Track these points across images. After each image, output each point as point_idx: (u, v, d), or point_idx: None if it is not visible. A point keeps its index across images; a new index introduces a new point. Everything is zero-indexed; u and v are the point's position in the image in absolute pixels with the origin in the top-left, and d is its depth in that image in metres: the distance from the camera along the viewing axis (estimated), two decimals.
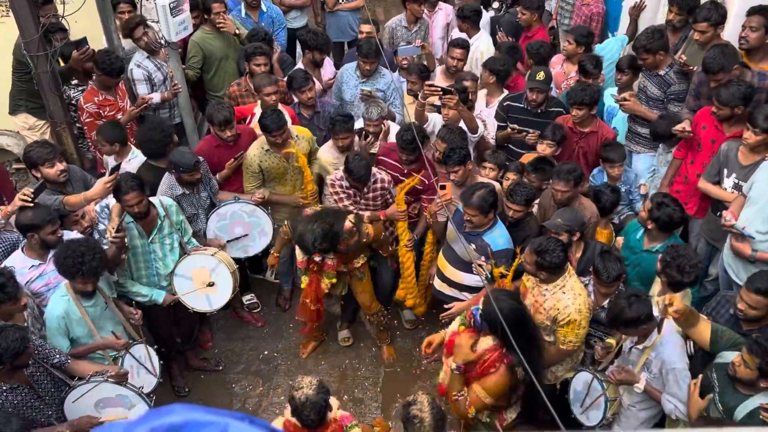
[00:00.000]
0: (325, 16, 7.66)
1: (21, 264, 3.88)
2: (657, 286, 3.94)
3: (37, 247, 3.89)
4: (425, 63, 6.10)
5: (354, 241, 4.34)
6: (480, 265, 4.12)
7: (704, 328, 3.45)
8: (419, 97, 5.03)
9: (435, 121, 5.23)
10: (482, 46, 6.23)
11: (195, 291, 4.39)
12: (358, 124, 5.28)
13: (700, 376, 3.39)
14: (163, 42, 5.53)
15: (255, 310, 5.62)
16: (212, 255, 4.34)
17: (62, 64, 5.34)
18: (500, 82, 5.53)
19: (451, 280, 4.48)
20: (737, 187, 4.22)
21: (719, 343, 3.43)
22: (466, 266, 4.33)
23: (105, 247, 3.96)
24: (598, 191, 4.50)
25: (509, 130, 5.22)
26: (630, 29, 6.17)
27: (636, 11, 6.16)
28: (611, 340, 3.73)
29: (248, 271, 5.61)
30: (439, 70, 5.98)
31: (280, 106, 5.24)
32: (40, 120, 5.69)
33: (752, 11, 4.45)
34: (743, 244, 4.01)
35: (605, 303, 3.90)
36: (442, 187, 4.41)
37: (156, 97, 5.53)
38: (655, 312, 3.41)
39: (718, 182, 4.37)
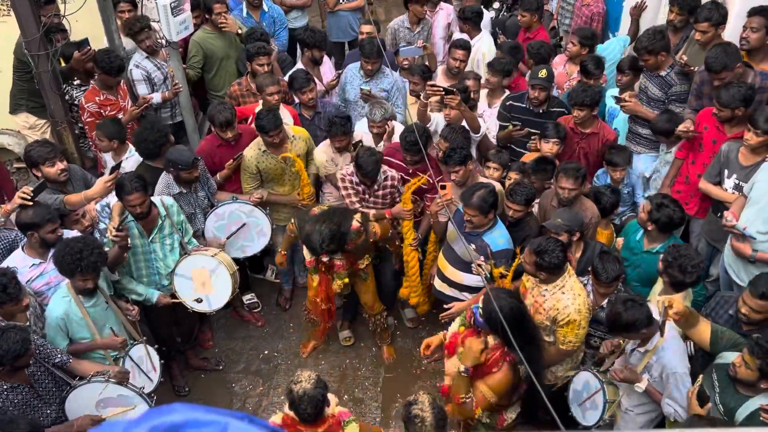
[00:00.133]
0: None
1: (21, 263, 3.88)
2: (659, 286, 3.95)
3: (37, 246, 3.90)
4: (427, 63, 6.10)
5: (362, 241, 4.34)
6: (479, 265, 4.12)
7: (704, 329, 3.45)
8: (421, 97, 5.03)
9: (437, 121, 5.23)
10: (484, 48, 6.23)
11: (192, 293, 4.38)
12: (363, 123, 5.28)
13: (698, 384, 3.40)
14: (163, 42, 5.53)
15: (255, 310, 5.63)
16: (212, 256, 4.34)
17: (63, 64, 5.35)
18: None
19: (451, 280, 4.48)
20: (738, 187, 4.22)
21: (719, 343, 3.43)
22: (466, 266, 4.33)
23: (107, 248, 3.96)
24: (598, 192, 4.50)
25: (510, 127, 5.21)
26: (631, 30, 6.17)
27: (637, 12, 6.16)
28: (621, 341, 3.73)
29: (248, 270, 5.61)
30: (440, 71, 5.98)
31: (282, 106, 5.25)
32: (40, 119, 5.70)
33: (753, 12, 4.45)
34: (744, 244, 4.01)
35: (604, 303, 3.91)
36: (443, 187, 4.42)
37: (156, 97, 5.54)
38: (656, 314, 3.41)
39: (719, 183, 4.37)
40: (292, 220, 4.61)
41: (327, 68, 6.19)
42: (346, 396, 4.93)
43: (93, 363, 3.78)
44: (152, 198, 4.24)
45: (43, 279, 3.94)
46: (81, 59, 5.22)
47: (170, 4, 5.22)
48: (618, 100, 5.10)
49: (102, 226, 4.35)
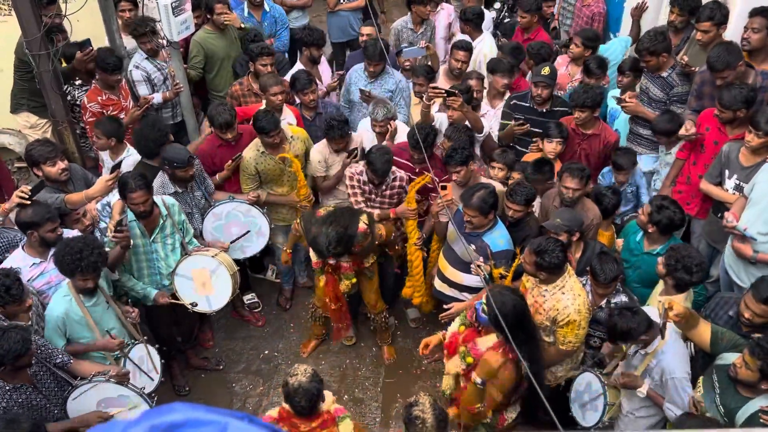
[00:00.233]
0: None
1: (22, 262, 3.88)
2: (659, 287, 3.94)
3: (37, 245, 3.90)
4: (430, 64, 6.10)
5: (368, 243, 4.33)
6: (479, 266, 4.12)
7: (704, 330, 3.45)
8: (424, 98, 5.04)
9: (441, 121, 5.24)
10: (485, 49, 6.22)
11: (193, 293, 4.39)
12: (366, 122, 5.28)
13: (698, 393, 3.39)
14: (164, 42, 5.53)
15: (256, 310, 5.63)
16: (213, 256, 4.34)
17: (65, 64, 5.35)
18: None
19: (451, 280, 4.48)
20: (738, 188, 4.21)
21: (719, 344, 3.43)
22: (466, 267, 4.33)
23: (107, 249, 3.96)
24: (600, 193, 4.50)
25: (512, 122, 5.20)
26: (633, 31, 6.17)
27: (638, 12, 6.16)
28: (623, 347, 3.73)
29: (249, 270, 5.61)
30: (442, 71, 5.97)
31: (285, 107, 5.26)
32: (41, 119, 5.70)
33: (754, 12, 4.45)
34: (745, 245, 4.01)
35: (603, 303, 3.91)
36: (443, 188, 4.42)
37: (157, 97, 5.54)
38: (656, 316, 3.41)
39: (720, 183, 4.37)
40: (298, 220, 4.60)
41: (325, 68, 6.19)
42: (346, 396, 4.93)
43: (94, 363, 3.78)
44: (154, 197, 4.24)
45: (44, 278, 3.94)
46: (83, 60, 5.22)
47: (171, 4, 5.22)
48: (619, 100, 5.10)
49: (103, 225, 4.35)
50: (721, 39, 4.69)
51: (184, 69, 5.92)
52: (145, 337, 4.14)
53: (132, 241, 4.17)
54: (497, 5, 7.41)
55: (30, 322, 3.65)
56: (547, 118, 5.10)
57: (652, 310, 3.61)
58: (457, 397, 3.75)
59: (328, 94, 5.96)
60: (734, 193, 4.25)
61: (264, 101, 5.25)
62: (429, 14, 6.51)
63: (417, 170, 4.84)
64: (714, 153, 4.43)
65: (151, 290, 4.33)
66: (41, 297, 3.94)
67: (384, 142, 5.11)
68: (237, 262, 4.64)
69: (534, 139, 5.14)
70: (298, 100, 5.48)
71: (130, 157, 4.78)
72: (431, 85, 5.08)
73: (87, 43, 5.17)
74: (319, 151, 5.02)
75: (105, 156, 4.93)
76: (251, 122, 4.87)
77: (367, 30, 6.16)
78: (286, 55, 6.91)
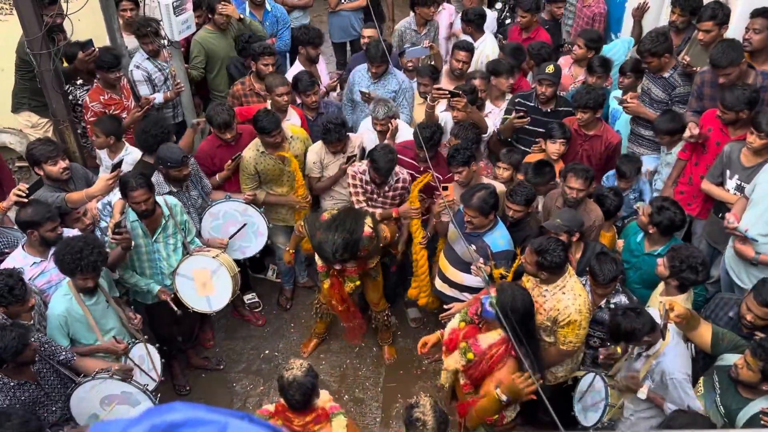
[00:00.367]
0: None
1: (22, 261, 3.89)
2: (659, 288, 3.94)
3: (38, 245, 3.90)
4: (434, 64, 6.10)
5: (373, 246, 4.33)
6: (479, 267, 4.12)
7: (705, 331, 3.45)
8: (428, 99, 5.04)
9: (446, 121, 5.24)
10: (487, 49, 6.20)
11: (193, 293, 4.39)
12: (367, 122, 5.29)
13: (698, 393, 3.39)
14: (165, 42, 5.53)
15: (256, 309, 5.63)
16: (214, 257, 4.34)
17: (66, 65, 5.35)
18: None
19: (452, 280, 4.48)
20: (739, 188, 4.21)
21: (720, 345, 3.43)
22: (466, 267, 4.33)
23: (108, 249, 3.96)
24: (601, 195, 4.50)
25: (513, 115, 5.19)
26: (635, 32, 6.16)
27: (639, 13, 6.15)
28: (617, 349, 3.72)
29: (249, 270, 5.62)
30: (444, 71, 5.97)
31: (290, 107, 5.26)
32: (42, 118, 5.71)
33: (756, 13, 4.45)
34: (746, 246, 4.00)
35: (602, 303, 3.91)
36: (445, 188, 4.42)
37: (159, 97, 5.54)
38: (657, 317, 3.41)
39: (721, 183, 4.36)
40: (301, 222, 4.61)
41: (323, 67, 6.19)
42: (346, 396, 4.94)
43: (97, 360, 3.79)
44: (156, 197, 4.25)
45: (44, 277, 3.94)
46: (85, 60, 5.22)
47: (172, 4, 5.22)
48: (621, 101, 5.10)
49: (103, 224, 4.36)
50: (723, 39, 4.69)
51: (186, 69, 5.92)
52: (145, 337, 4.14)
53: (134, 241, 4.18)
54: (498, 5, 7.40)
55: (32, 322, 3.66)
56: (550, 118, 5.10)
57: (652, 311, 3.60)
58: (464, 405, 3.75)
59: (327, 94, 5.96)
60: (735, 194, 4.24)
61: (269, 101, 5.26)
62: (432, 15, 6.51)
63: (421, 168, 4.84)
64: (716, 154, 4.43)
65: (154, 285, 4.33)
66: (42, 296, 3.94)
67: (385, 141, 5.11)
68: (237, 262, 4.64)
69: (537, 140, 5.14)
70: (299, 101, 5.48)
71: (130, 156, 4.79)
72: (435, 86, 5.08)
73: (89, 43, 5.18)
74: (316, 152, 5.02)
75: (103, 155, 4.94)
76: (252, 122, 4.87)
77: (368, 32, 6.17)
78: (287, 54, 6.93)
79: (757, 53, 4.49)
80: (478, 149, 5.07)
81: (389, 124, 5.04)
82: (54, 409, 3.51)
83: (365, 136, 5.28)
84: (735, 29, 4.83)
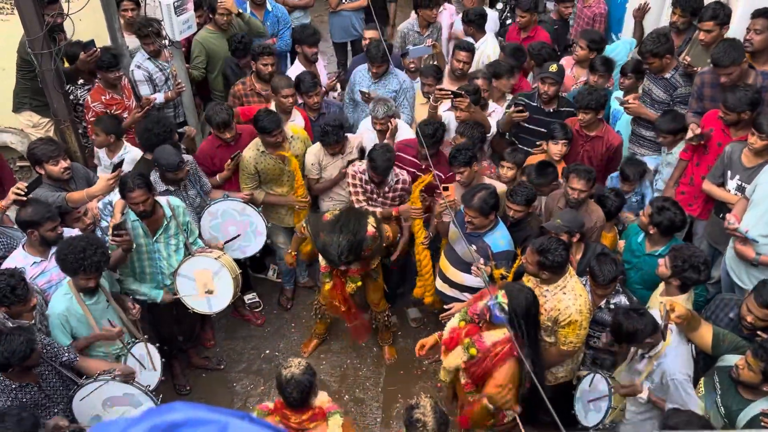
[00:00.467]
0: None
1: (22, 261, 3.89)
2: (660, 287, 3.94)
3: (38, 244, 3.90)
4: (437, 63, 6.10)
5: (376, 246, 4.34)
6: (479, 267, 4.12)
7: (706, 332, 3.45)
8: (431, 100, 5.04)
9: (449, 120, 5.24)
10: (488, 50, 6.19)
11: (195, 295, 4.40)
12: (367, 121, 5.29)
13: (699, 394, 3.39)
14: (166, 42, 5.54)
15: (257, 309, 5.63)
16: (216, 258, 4.34)
17: (67, 65, 5.36)
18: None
19: (452, 280, 4.48)
20: (740, 188, 4.21)
21: (721, 346, 3.43)
22: (467, 267, 4.33)
23: (110, 250, 3.96)
24: (603, 196, 4.50)
25: (512, 108, 5.19)
26: (637, 33, 6.15)
27: (640, 13, 6.15)
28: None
29: (250, 270, 5.62)
30: (446, 72, 5.97)
31: (294, 108, 5.26)
32: (44, 118, 5.72)
33: (757, 14, 4.44)
34: (747, 247, 4.00)
35: (602, 303, 3.90)
36: (446, 188, 4.42)
37: (159, 97, 5.54)
38: (658, 317, 3.41)
39: (722, 184, 4.36)
40: (303, 223, 4.60)
41: (321, 66, 6.20)
42: (347, 396, 4.94)
43: (99, 361, 3.80)
44: (158, 198, 4.25)
45: (45, 277, 3.94)
46: (87, 60, 5.22)
47: (173, 4, 5.22)
48: (622, 102, 5.09)
49: (104, 223, 4.36)
50: (724, 38, 4.69)
51: (186, 69, 5.93)
52: (146, 336, 4.14)
53: (134, 241, 4.18)
54: (499, 5, 7.40)
55: (34, 321, 3.66)
56: (553, 119, 5.10)
57: (653, 312, 3.60)
58: (465, 418, 3.76)
59: (326, 93, 5.96)
60: (736, 194, 4.24)
61: (273, 102, 5.26)
62: (435, 17, 6.50)
63: (423, 167, 4.84)
64: (717, 154, 4.43)
65: (158, 292, 4.33)
66: (44, 295, 3.94)
67: (385, 141, 5.12)
68: (238, 261, 4.64)
69: (538, 141, 5.14)
70: (300, 101, 5.48)
71: (128, 154, 4.81)
72: (437, 87, 5.07)
73: (91, 43, 5.18)
74: (314, 153, 5.02)
75: (102, 154, 4.95)
76: (252, 122, 4.87)
77: (370, 33, 6.17)
78: (288, 54, 6.93)
79: (758, 54, 4.49)
80: (481, 148, 5.07)
81: (389, 124, 5.05)
82: (56, 411, 3.51)
83: (365, 135, 5.28)
84: (736, 30, 4.83)
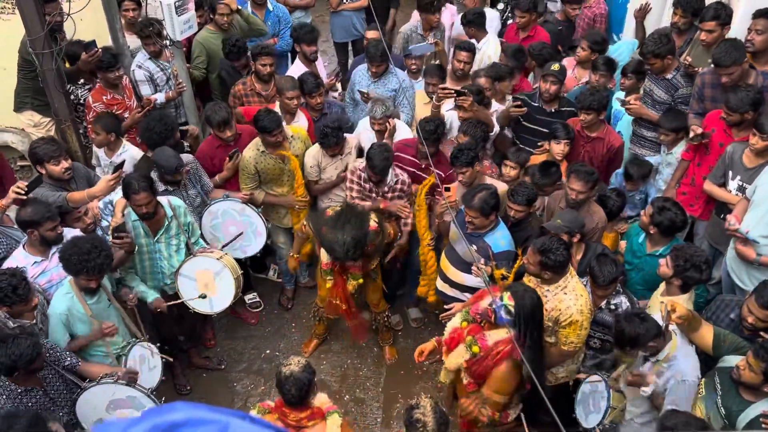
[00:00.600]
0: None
1: (23, 261, 3.89)
2: (661, 288, 3.93)
3: (38, 244, 3.90)
4: (439, 62, 6.09)
5: (379, 241, 4.34)
6: (479, 267, 4.12)
7: (706, 332, 3.44)
8: (434, 98, 5.04)
9: (451, 120, 5.24)
10: (490, 50, 6.17)
11: (193, 300, 4.40)
12: (365, 121, 5.29)
13: (700, 394, 3.39)
14: (167, 42, 5.54)
15: (257, 309, 5.63)
16: (218, 259, 4.34)
17: (68, 65, 5.36)
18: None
19: (453, 280, 4.48)
20: (741, 189, 4.21)
21: (722, 347, 3.43)
22: (467, 267, 4.33)
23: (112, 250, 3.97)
24: (604, 196, 4.50)
25: (510, 102, 5.16)
26: (639, 33, 6.14)
27: (641, 14, 6.14)
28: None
29: (251, 270, 5.62)
30: (447, 73, 5.96)
31: (299, 109, 5.27)
32: (45, 117, 5.72)
33: (758, 14, 4.44)
34: (747, 248, 4.00)
35: (602, 304, 3.91)
36: (447, 189, 4.42)
37: (160, 97, 5.55)
38: (658, 317, 3.40)
39: (724, 184, 4.36)
40: (304, 222, 4.60)
41: (321, 65, 6.20)
42: (347, 396, 4.94)
43: (102, 365, 3.80)
44: (160, 198, 4.25)
45: (45, 276, 3.95)
46: (88, 61, 5.22)
47: (174, 3, 5.22)
48: (623, 102, 5.09)
49: (104, 223, 4.37)
50: (725, 39, 4.69)
51: (188, 68, 5.93)
52: (146, 335, 4.14)
53: (135, 241, 4.18)
54: (500, 6, 7.39)
55: (35, 321, 3.67)
56: (554, 119, 5.09)
57: (654, 314, 3.59)
58: (466, 423, 3.77)
59: (326, 93, 5.96)
60: (737, 195, 4.24)
61: (277, 103, 5.27)
62: (438, 21, 6.50)
63: (423, 166, 4.84)
64: (718, 155, 4.43)
65: (152, 294, 4.31)
66: (45, 294, 3.94)
67: (384, 140, 5.12)
68: (239, 261, 4.64)
69: (539, 143, 5.14)
70: (302, 101, 5.48)
71: (127, 153, 4.82)
72: (441, 86, 5.07)
73: (93, 44, 5.18)
74: (313, 156, 5.02)
75: (101, 153, 4.96)
76: (253, 121, 4.87)
77: (371, 34, 6.17)
78: (289, 54, 6.93)
79: (759, 54, 4.48)
80: (483, 148, 5.07)
81: (387, 124, 5.05)
82: (60, 414, 3.52)
83: (363, 135, 5.29)
84: (737, 30, 4.83)
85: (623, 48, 6.07)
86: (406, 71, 5.94)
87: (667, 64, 4.84)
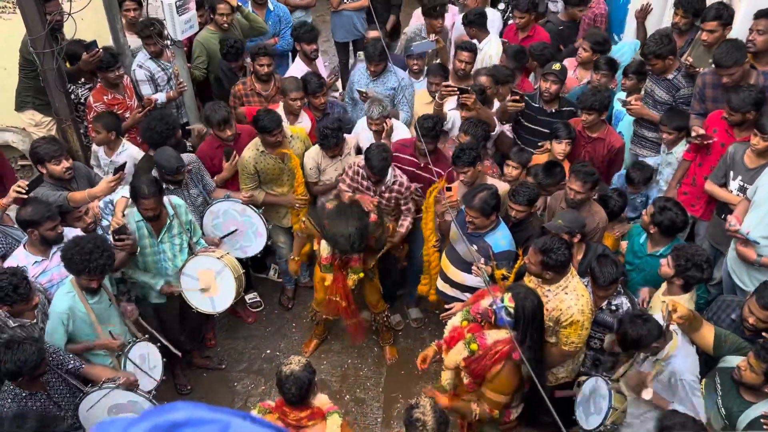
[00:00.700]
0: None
1: (24, 260, 3.89)
2: (662, 288, 3.93)
3: (38, 243, 3.91)
4: (440, 61, 6.08)
5: (379, 233, 4.35)
6: (479, 267, 4.12)
7: (707, 333, 3.44)
8: (437, 97, 5.03)
9: (454, 119, 5.23)
10: (491, 50, 6.16)
11: (198, 294, 4.41)
12: (363, 121, 5.29)
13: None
14: (168, 42, 5.54)
15: (258, 309, 5.63)
16: (219, 258, 4.35)
17: (69, 65, 5.36)
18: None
19: (453, 280, 4.48)
20: (742, 189, 4.21)
21: (723, 347, 3.43)
22: (468, 267, 4.33)
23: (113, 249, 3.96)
24: (605, 196, 4.49)
25: (508, 98, 5.17)
26: (640, 34, 6.13)
27: (642, 14, 6.13)
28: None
29: (251, 269, 5.62)
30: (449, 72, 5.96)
31: (302, 110, 5.27)
32: (46, 117, 5.72)
33: (759, 14, 4.44)
34: (748, 249, 4.00)
35: (603, 304, 3.90)
36: (448, 189, 4.42)
37: (161, 97, 5.55)
38: (659, 317, 3.40)
39: (725, 184, 4.36)
40: (304, 220, 4.60)
41: (321, 65, 6.20)
42: (347, 396, 4.94)
43: (104, 368, 3.80)
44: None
45: (46, 276, 3.95)
46: (89, 61, 5.22)
47: (175, 3, 5.22)
48: (624, 103, 5.09)
49: (105, 222, 4.37)
50: (726, 39, 4.68)
51: (188, 68, 5.93)
52: (146, 335, 4.14)
53: (139, 242, 4.19)
54: (501, 6, 7.38)
55: (36, 320, 3.67)
56: (555, 119, 5.09)
57: (655, 314, 3.59)
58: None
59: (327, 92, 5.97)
60: (738, 195, 4.24)
61: (281, 103, 5.27)
62: (441, 26, 6.49)
63: (421, 164, 4.84)
64: (720, 155, 4.43)
65: (158, 281, 4.33)
66: (46, 294, 3.94)
67: (381, 140, 5.11)
68: (240, 261, 4.64)
69: (540, 143, 5.13)
70: (305, 101, 5.47)
71: (126, 152, 4.83)
72: (444, 83, 5.07)
73: (94, 44, 5.19)
74: (312, 157, 5.02)
75: (100, 153, 4.96)
76: (252, 121, 4.87)
77: (372, 34, 6.16)
78: (290, 54, 6.93)
79: (761, 54, 4.48)
80: (484, 147, 5.07)
81: (384, 124, 5.05)
82: (65, 418, 3.52)
83: (361, 135, 5.28)
84: (738, 30, 4.82)
85: (626, 48, 6.06)
86: (407, 71, 5.94)
87: (669, 64, 4.83)
